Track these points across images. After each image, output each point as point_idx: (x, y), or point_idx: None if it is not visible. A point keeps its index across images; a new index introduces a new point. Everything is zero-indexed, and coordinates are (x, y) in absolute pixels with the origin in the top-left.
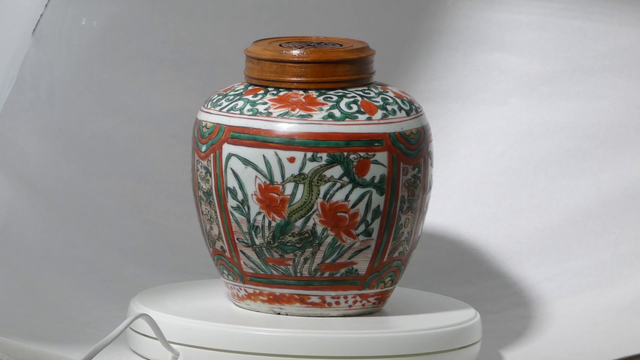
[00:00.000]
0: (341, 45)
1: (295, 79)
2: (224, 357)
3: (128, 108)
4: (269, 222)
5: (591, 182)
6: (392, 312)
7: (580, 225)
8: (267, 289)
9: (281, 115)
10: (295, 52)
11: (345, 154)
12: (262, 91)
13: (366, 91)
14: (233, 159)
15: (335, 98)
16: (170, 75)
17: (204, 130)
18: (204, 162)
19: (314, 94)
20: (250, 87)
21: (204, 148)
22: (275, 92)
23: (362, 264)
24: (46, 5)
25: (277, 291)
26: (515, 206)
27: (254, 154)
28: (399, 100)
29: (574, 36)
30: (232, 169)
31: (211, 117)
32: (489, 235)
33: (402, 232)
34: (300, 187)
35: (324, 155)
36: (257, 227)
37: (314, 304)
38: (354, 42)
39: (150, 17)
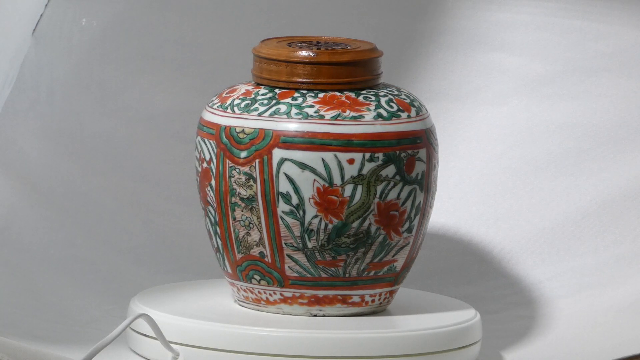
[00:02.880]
0: (348, 45)
1: (329, 80)
2: (224, 357)
3: (128, 108)
4: (326, 225)
5: (591, 182)
6: (392, 312)
7: (580, 225)
8: (309, 292)
9: (334, 118)
10: (330, 53)
11: (397, 152)
12: (297, 94)
13: (389, 89)
14: (287, 163)
15: (373, 98)
16: (171, 75)
17: (241, 136)
18: (245, 168)
19: (352, 94)
20: (279, 90)
21: (244, 154)
22: (313, 94)
23: (400, 261)
24: (46, 5)
25: (321, 293)
26: (515, 206)
27: (311, 157)
28: (416, 98)
29: (574, 36)
30: (285, 174)
31: (248, 122)
32: (489, 235)
33: (426, 227)
34: (359, 188)
35: (380, 155)
36: (312, 230)
37: (353, 304)
38: (361, 43)
39: (151, 17)
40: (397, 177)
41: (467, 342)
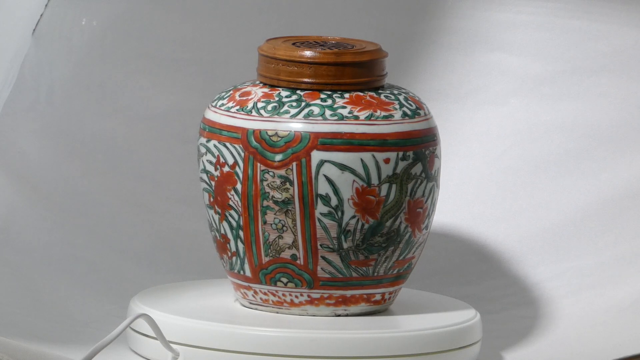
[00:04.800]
0: (354, 45)
1: (352, 80)
2: (224, 357)
3: (128, 108)
4: (362, 225)
5: (591, 182)
6: (392, 312)
7: (580, 225)
8: (338, 292)
9: (368, 118)
10: (353, 53)
11: (423, 150)
12: (324, 95)
13: (397, 89)
14: (327, 165)
15: (392, 97)
16: (171, 75)
17: (275, 139)
18: (281, 172)
19: (373, 94)
20: (301, 91)
21: (279, 157)
22: (338, 95)
23: (416, 258)
24: (46, 5)
25: (349, 293)
26: (515, 206)
27: (350, 158)
28: (419, 97)
29: (574, 36)
30: (325, 176)
31: (281, 125)
32: (489, 235)
33: None
34: (394, 187)
35: (411, 154)
36: (349, 231)
37: (375, 302)
38: (366, 43)
39: (150, 17)
40: (423, 175)
41: (467, 342)
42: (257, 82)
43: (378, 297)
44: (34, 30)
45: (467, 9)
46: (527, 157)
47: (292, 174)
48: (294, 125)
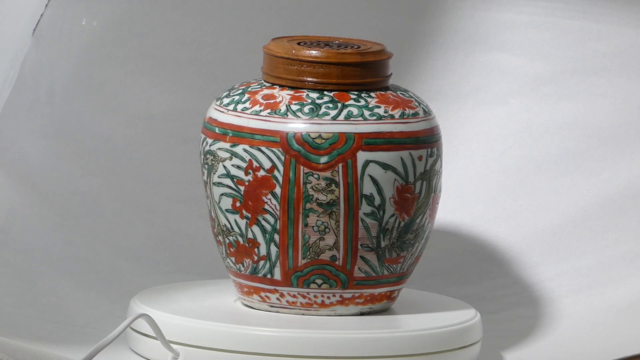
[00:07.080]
0: (359, 45)
1: (374, 80)
2: (224, 357)
3: (128, 108)
4: (399, 223)
5: (591, 182)
6: (391, 312)
7: (580, 225)
8: (368, 291)
9: (401, 116)
10: (374, 53)
11: (440, 146)
12: (353, 95)
13: (401, 88)
14: (371, 165)
15: (407, 95)
16: (171, 75)
17: (319, 141)
18: (326, 174)
19: (393, 92)
20: (329, 92)
21: (324, 159)
22: (366, 94)
23: (424, 254)
24: (46, 5)
25: (377, 291)
26: (515, 206)
27: (392, 157)
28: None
29: (574, 36)
30: (370, 176)
31: (324, 127)
32: (489, 235)
33: None
34: (424, 184)
35: (435, 150)
36: (387, 229)
37: (392, 299)
38: (371, 44)
39: (151, 17)
40: (441, 170)
41: (467, 342)
42: (268, 83)
43: (396, 293)
44: (34, 30)
45: (467, 9)
46: (527, 157)
47: (338, 175)
48: (336, 126)
